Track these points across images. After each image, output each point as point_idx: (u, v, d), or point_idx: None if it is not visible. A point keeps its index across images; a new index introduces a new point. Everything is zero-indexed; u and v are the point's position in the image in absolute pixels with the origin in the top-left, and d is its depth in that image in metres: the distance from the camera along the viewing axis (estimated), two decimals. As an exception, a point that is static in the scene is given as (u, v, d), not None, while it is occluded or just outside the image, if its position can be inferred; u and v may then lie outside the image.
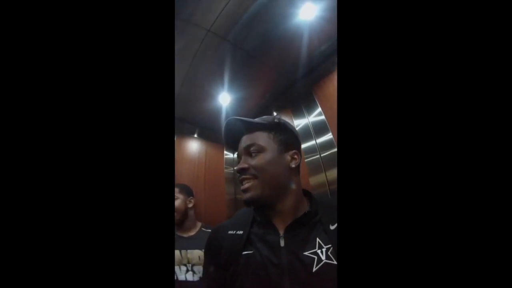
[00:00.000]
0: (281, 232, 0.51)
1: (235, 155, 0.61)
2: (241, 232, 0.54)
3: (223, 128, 0.59)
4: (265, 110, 1.85)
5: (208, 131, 2.02)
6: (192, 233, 1.22)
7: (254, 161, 0.54)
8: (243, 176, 0.53)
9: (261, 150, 0.55)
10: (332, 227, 0.51)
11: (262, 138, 0.56)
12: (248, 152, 0.55)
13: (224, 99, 1.70)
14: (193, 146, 2.01)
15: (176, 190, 1.23)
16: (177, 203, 1.19)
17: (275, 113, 1.88)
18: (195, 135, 2.05)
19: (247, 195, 0.52)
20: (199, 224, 1.28)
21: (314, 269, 0.46)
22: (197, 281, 1.06)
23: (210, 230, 1.26)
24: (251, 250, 0.50)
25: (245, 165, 0.53)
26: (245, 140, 0.57)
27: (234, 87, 1.60)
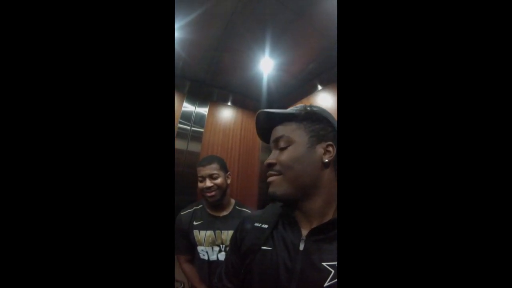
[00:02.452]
0: (304, 235, 0.48)
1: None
2: (266, 226, 0.53)
3: (255, 119, 0.56)
4: (309, 82, 1.63)
5: (245, 98, 1.88)
6: (226, 212, 1.17)
7: (282, 156, 0.50)
8: (269, 172, 0.50)
9: (290, 142, 0.51)
10: None
11: (292, 129, 0.52)
12: (277, 145, 0.52)
13: (265, 64, 1.50)
14: (226, 115, 1.89)
15: (216, 166, 1.13)
16: (219, 181, 1.10)
17: (319, 87, 1.66)
18: (229, 103, 1.92)
19: (270, 190, 0.50)
20: (232, 202, 1.22)
21: (326, 284, 0.43)
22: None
23: (244, 209, 1.21)
24: (270, 247, 0.50)
25: (273, 161, 0.51)
26: (274, 132, 0.53)
27: (276, 50, 1.38)
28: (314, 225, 0.48)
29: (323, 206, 0.50)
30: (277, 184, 0.50)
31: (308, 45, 1.33)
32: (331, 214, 0.49)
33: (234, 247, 0.57)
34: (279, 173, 0.50)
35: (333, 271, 0.43)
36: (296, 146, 0.51)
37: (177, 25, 1.19)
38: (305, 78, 1.61)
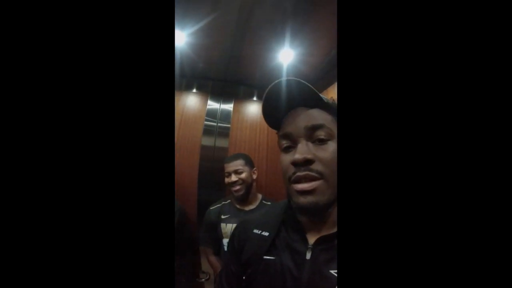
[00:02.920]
0: (311, 243, 0.43)
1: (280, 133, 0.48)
2: (267, 233, 0.48)
3: (268, 90, 0.43)
4: (328, 73, 1.54)
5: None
6: (252, 206, 1.18)
7: (322, 152, 0.40)
8: (306, 173, 0.39)
9: (331, 136, 0.42)
10: None
11: (330, 120, 0.42)
12: (312, 135, 0.41)
13: (285, 55, 1.45)
14: (252, 110, 1.89)
15: (241, 162, 1.16)
16: (244, 176, 1.14)
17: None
18: (254, 98, 1.91)
19: (310, 200, 0.39)
20: (259, 197, 1.23)
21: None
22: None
23: (270, 203, 1.21)
24: (273, 256, 0.45)
25: (310, 156, 0.39)
26: (307, 117, 0.42)
27: (296, 41, 1.33)
28: (323, 233, 0.43)
29: (335, 213, 0.44)
30: (321, 192, 0.40)
31: (328, 36, 1.26)
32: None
33: (233, 256, 0.53)
34: (321, 175, 0.40)
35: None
36: (335, 142, 0.42)
37: (190, 30, 1.21)
38: (325, 69, 1.52)
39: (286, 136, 0.43)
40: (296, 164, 0.39)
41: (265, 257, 0.45)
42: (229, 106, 1.80)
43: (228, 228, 1.11)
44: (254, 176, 1.20)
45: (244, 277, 0.49)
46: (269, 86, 0.43)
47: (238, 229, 0.55)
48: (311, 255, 0.42)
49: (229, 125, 1.76)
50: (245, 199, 1.15)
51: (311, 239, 0.44)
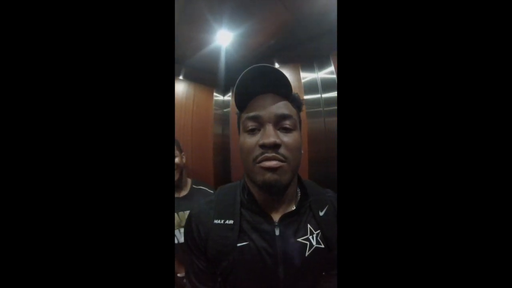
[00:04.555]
0: (276, 221, 0.48)
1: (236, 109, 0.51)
2: (231, 221, 0.48)
3: (244, 72, 0.45)
4: (267, 58, 1.63)
5: (198, 71, 1.76)
6: (185, 192, 1.15)
7: (287, 139, 0.45)
8: (273, 155, 0.43)
9: (295, 126, 0.47)
10: (321, 213, 0.51)
11: (295, 113, 0.48)
12: (279, 124, 0.45)
13: (223, 36, 1.42)
14: (177, 90, 1.75)
15: None
16: (177, 160, 1.05)
17: (276, 64, 1.68)
18: (180, 77, 1.77)
19: (275, 177, 0.43)
20: (189, 181, 1.20)
21: (306, 254, 0.47)
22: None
23: (201, 187, 1.21)
24: (245, 241, 0.47)
25: (279, 141, 0.43)
26: (280, 107, 0.45)
27: (234, 23, 1.32)
28: (284, 210, 0.49)
29: (293, 193, 0.52)
30: (284, 172, 0.44)
31: (269, 20, 1.31)
32: (295, 197, 0.52)
33: (197, 251, 0.51)
34: (285, 159, 0.44)
35: (308, 243, 0.48)
36: (298, 132, 0.47)
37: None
38: (264, 53, 1.60)
39: (254, 119, 0.45)
40: (264, 146, 0.43)
41: (238, 245, 0.46)
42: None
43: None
44: (184, 160, 1.15)
45: (218, 272, 0.48)
46: (247, 69, 0.45)
47: (194, 224, 0.51)
48: (279, 231, 0.47)
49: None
50: (177, 185, 1.09)
51: (275, 217, 0.49)
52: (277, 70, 0.45)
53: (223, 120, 1.91)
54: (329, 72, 1.25)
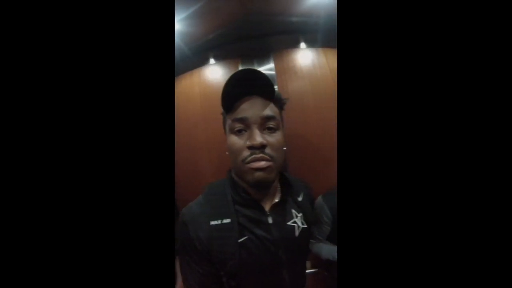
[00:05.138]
0: (268, 210, 0.54)
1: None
2: (228, 220, 0.50)
3: (231, 76, 0.47)
4: (203, 53, 1.63)
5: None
6: None
7: (272, 139, 0.48)
8: (261, 155, 0.47)
9: (278, 126, 0.50)
10: (299, 199, 0.59)
11: (278, 113, 0.52)
12: (264, 124, 0.48)
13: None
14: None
15: None
16: None
17: (212, 60, 1.69)
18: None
19: (263, 175, 0.47)
20: None
21: (296, 234, 0.54)
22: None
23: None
24: (245, 236, 0.50)
25: (265, 142, 0.47)
26: (263, 108, 0.48)
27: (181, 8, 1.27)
28: (272, 200, 0.55)
29: (276, 185, 0.58)
30: (272, 170, 0.48)
31: (218, 13, 1.32)
32: (278, 187, 0.58)
33: (197, 257, 0.50)
34: (271, 158, 0.47)
35: (295, 225, 0.55)
36: (281, 131, 0.51)
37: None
38: (202, 46, 1.59)
39: (241, 121, 0.48)
40: (253, 147, 0.46)
41: (239, 240, 0.49)
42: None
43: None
44: None
45: (223, 273, 0.49)
46: (233, 73, 0.48)
47: (192, 231, 0.50)
48: (272, 219, 0.53)
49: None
50: None
51: (266, 207, 0.54)
52: (262, 74, 0.48)
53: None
54: (268, 69, 1.41)
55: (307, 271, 0.64)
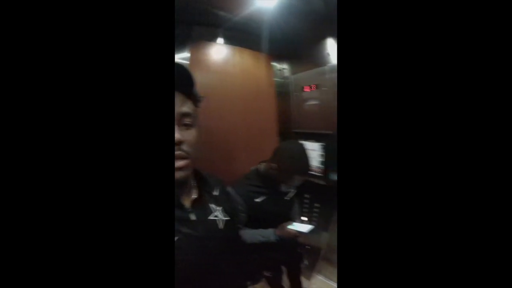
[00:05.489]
0: (189, 206, 0.52)
1: None
2: None
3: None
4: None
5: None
6: None
7: (188, 135, 0.47)
8: (178, 152, 0.45)
9: (194, 123, 0.48)
10: (215, 193, 0.59)
11: (194, 110, 0.49)
12: (181, 120, 0.46)
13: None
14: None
15: None
16: None
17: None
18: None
19: (182, 175, 0.47)
20: None
21: (220, 226, 0.55)
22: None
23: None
24: (176, 237, 0.47)
25: (182, 138, 0.45)
26: (182, 105, 0.46)
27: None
28: (190, 196, 0.54)
29: (191, 182, 0.55)
30: (188, 167, 0.48)
31: None
32: (191, 182, 0.55)
33: None
34: (188, 154, 0.46)
35: (217, 218, 0.55)
36: (196, 128, 0.49)
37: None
38: None
39: None
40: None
41: (176, 238, 0.46)
42: None
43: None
44: None
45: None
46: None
47: None
48: (195, 216, 0.51)
49: None
50: None
51: (187, 204, 0.52)
52: (183, 68, 0.46)
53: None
54: (183, 58, 1.45)
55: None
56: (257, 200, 1.00)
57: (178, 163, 0.45)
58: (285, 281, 1.19)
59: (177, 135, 0.44)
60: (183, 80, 0.46)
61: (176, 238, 0.46)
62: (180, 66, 0.45)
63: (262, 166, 1.06)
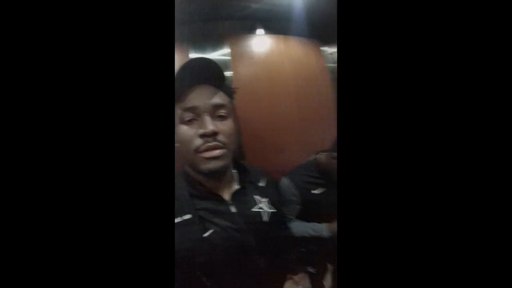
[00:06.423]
0: (228, 199, 0.52)
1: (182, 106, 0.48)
2: (189, 216, 0.48)
3: (182, 66, 0.47)
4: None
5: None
6: None
7: (223, 127, 0.48)
8: (215, 143, 0.46)
9: (229, 115, 0.49)
10: (261, 184, 0.58)
11: (228, 101, 0.51)
12: (215, 112, 0.47)
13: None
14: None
15: None
16: None
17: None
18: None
19: (218, 164, 0.47)
20: None
21: (264, 219, 0.53)
22: None
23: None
24: (210, 230, 0.48)
25: (217, 129, 0.46)
26: (213, 96, 0.47)
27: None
28: (230, 187, 0.53)
29: (231, 172, 0.55)
30: (226, 157, 0.48)
31: None
32: (233, 174, 0.56)
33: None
34: (224, 145, 0.47)
35: (261, 210, 0.53)
36: (232, 118, 0.50)
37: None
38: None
39: (191, 109, 0.46)
40: (205, 135, 0.45)
41: (204, 235, 0.47)
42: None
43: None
44: None
45: (199, 272, 0.47)
46: (184, 62, 0.47)
47: None
48: (235, 208, 0.51)
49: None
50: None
51: (226, 196, 0.51)
52: (211, 62, 0.48)
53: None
54: (223, 54, 1.41)
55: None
56: (315, 191, 0.95)
57: (214, 153, 0.46)
58: (327, 279, 1.10)
59: (211, 126, 0.45)
60: (211, 73, 0.48)
61: (210, 232, 0.47)
62: (206, 59, 0.49)
63: (322, 156, 0.96)
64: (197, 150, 0.46)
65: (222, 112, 0.48)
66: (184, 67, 0.48)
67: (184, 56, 1.32)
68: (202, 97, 0.47)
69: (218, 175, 0.50)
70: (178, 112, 0.49)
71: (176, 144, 0.48)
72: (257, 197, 0.55)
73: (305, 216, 0.93)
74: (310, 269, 0.98)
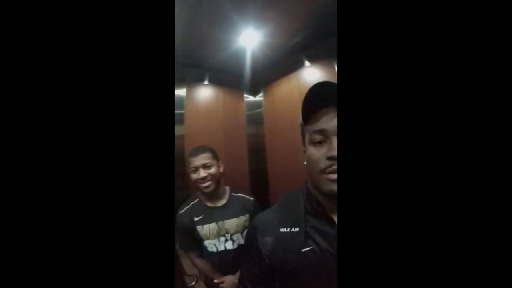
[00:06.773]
0: (337, 222, 0.51)
1: (310, 130, 0.54)
2: (297, 229, 0.51)
3: (310, 88, 0.48)
4: (293, 56, 1.55)
5: (223, 74, 1.74)
6: (224, 201, 1.13)
7: (335, 151, 0.47)
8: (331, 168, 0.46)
9: (335, 135, 0.48)
10: None
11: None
12: (329, 135, 0.47)
13: (247, 37, 1.37)
14: (205, 95, 1.75)
15: (208, 155, 1.06)
16: (214, 170, 1.05)
17: (306, 62, 1.60)
18: (206, 82, 1.77)
19: (335, 187, 0.47)
20: (227, 189, 1.18)
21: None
22: (236, 249, 1.06)
23: (240, 195, 1.19)
24: (310, 246, 0.49)
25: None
26: (331, 119, 0.47)
27: (259, 21, 1.27)
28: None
29: None
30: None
31: (294, 16, 1.23)
32: None
33: (258, 258, 0.54)
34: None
35: None
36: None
37: None
38: (289, 52, 1.52)
39: (321, 132, 0.48)
40: (333, 158, 0.45)
41: (303, 250, 0.49)
42: (181, 91, 1.63)
43: (205, 229, 1.05)
44: (221, 169, 1.14)
45: (278, 277, 0.51)
46: (312, 85, 0.48)
47: (259, 235, 0.54)
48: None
49: (182, 111, 1.61)
50: (215, 194, 1.09)
51: (335, 219, 0.51)
52: (335, 85, 0.47)
53: (257, 120, 1.89)
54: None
55: None
56: None
57: (333, 176, 0.46)
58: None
59: (335, 151, 0.46)
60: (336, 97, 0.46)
61: (309, 248, 0.49)
62: (332, 83, 0.47)
63: None
64: (323, 171, 0.47)
65: (333, 134, 0.47)
66: (310, 91, 0.48)
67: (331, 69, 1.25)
68: (331, 121, 0.47)
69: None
70: (308, 133, 0.51)
71: (304, 163, 0.51)
72: None
73: None
74: None
